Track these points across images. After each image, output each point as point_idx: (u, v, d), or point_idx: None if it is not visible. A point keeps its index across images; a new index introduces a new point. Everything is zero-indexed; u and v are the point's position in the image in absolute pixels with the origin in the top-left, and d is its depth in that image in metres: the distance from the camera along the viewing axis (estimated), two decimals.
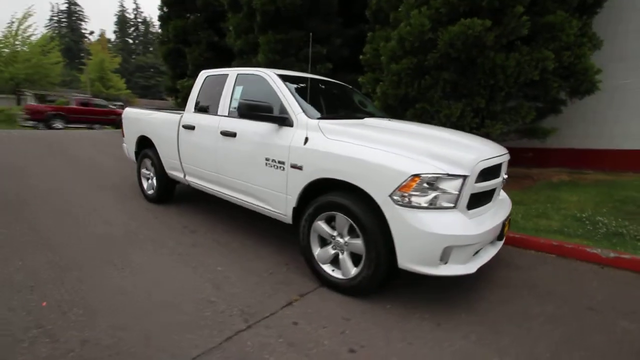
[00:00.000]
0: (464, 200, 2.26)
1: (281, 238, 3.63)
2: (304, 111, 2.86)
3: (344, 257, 2.58)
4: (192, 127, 3.80)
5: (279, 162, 2.86)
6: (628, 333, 2.16)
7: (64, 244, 3.29)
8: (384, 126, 2.93)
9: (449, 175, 2.17)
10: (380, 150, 2.33)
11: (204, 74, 3.96)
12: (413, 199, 2.17)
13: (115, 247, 3.27)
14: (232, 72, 3.61)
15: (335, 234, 2.62)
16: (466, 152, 2.41)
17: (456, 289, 2.67)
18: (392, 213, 2.22)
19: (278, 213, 3.02)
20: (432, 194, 2.17)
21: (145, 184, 4.92)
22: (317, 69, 7.06)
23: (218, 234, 3.71)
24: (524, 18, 4.28)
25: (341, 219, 2.52)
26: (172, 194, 4.81)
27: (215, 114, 3.59)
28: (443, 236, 2.14)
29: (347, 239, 2.55)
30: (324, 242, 2.76)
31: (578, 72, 4.51)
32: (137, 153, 5.02)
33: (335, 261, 2.67)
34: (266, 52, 6.93)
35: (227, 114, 3.47)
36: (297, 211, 2.86)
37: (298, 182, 2.74)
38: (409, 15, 4.89)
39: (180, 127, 3.97)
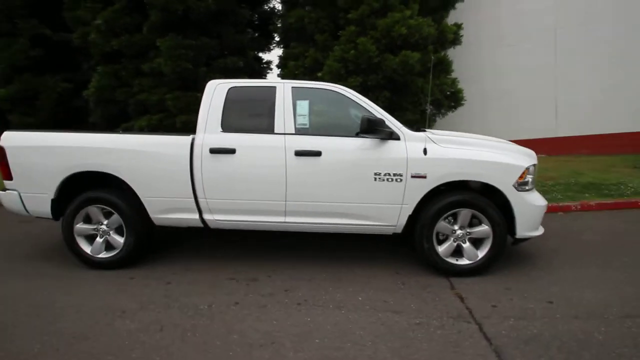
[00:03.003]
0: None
1: (350, 255, 3.55)
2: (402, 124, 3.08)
3: (468, 246, 3.05)
4: (230, 151, 3.03)
5: (395, 174, 2.94)
6: (628, 244, 3.79)
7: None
8: (456, 135, 3.50)
9: (534, 165, 3.12)
10: (494, 152, 3.00)
11: (223, 85, 3.19)
12: (523, 185, 2.98)
13: (203, 333, 2.28)
14: (280, 85, 3.17)
15: (456, 227, 3.04)
16: (526, 148, 3.43)
17: (514, 254, 3.61)
18: (515, 198, 2.94)
19: (385, 226, 3.07)
20: (529, 179, 3.05)
21: (87, 247, 3.26)
22: None
23: (284, 274, 3.15)
24: (431, 54, 5.93)
25: (466, 213, 2.99)
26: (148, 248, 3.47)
27: (272, 132, 3.06)
28: (544, 206, 3.07)
29: (468, 229, 3.04)
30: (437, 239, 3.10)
31: (454, 93, 6.66)
32: (55, 201, 3.24)
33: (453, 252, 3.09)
34: (173, 59, 5.72)
35: (293, 132, 3.05)
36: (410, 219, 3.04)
37: (420, 190, 2.95)
38: (353, 42, 5.65)
39: (203, 151, 3.04)
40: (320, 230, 3.17)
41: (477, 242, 3.07)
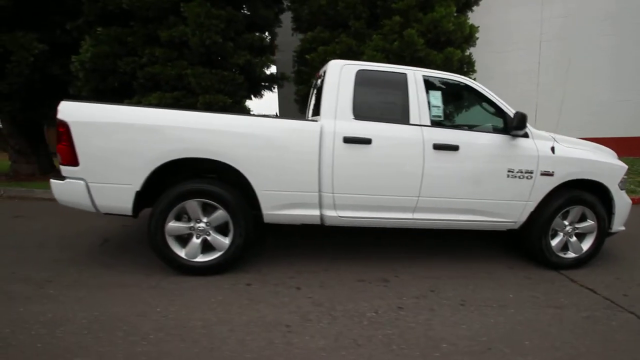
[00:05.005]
0: None
1: (447, 251, 3.52)
2: None
3: (575, 240, 3.24)
4: (366, 141, 2.75)
5: (527, 171, 2.97)
6: None
7: None
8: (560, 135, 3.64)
9: None
10: (601, 154, 3.23)
11: (350, 67, 2.87)
12: (621, 184, 3.27)
13: (407, 344, 2.06)
14: (411, 72, 2.96)
15: (566, 223, 3.21)
16: (609, 149, 3.71)
17: None
18: (617, 196, 3.21)
19: (507, 222, 3.10)
20: (624, 178, 3.35)
21: (181, 250, 2.72)
22: (262, 61, 5.90)
23: (406, 273, 3.01)
24: (466, 52, 6.13)
25: (578, 209, 3.16)
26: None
27: (407, 122, 2.86)
28: (631, 204, 3.40)
29: (576, 224, 3.23)
30: None
31: None
32: (140, 194, 2.62)
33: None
34: (203, 30, 4.95)
35: (429, 123, 2.88)
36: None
37: (545, 188, 3.04)
38: (397, 33, 5.56)
39: (335, 140, 2.71)
40: (443, 227, 3.07)
41: (580, 237, 3.29)
